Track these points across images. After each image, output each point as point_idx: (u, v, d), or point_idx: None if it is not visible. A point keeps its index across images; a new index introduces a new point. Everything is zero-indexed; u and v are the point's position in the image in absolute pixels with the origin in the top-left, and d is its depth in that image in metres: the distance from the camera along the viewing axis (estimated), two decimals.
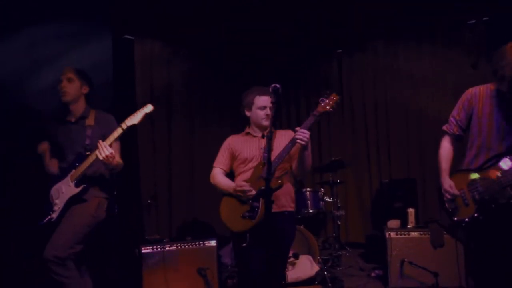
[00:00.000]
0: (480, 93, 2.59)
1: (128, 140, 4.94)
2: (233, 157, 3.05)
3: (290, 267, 4.13)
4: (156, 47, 5.52)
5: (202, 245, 4.03)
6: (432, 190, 5.32)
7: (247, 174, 2.92)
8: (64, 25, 3.95)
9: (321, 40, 6.19)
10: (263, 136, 2.99)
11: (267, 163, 2.41)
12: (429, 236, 4.02)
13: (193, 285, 3.90)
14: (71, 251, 2.78)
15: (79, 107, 3.04)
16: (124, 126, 2.77)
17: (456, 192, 2.57)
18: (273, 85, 2.47)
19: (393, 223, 4.38)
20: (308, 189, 4.90)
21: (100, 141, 2.74)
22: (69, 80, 2.99)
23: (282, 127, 6.76)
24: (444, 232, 3.93)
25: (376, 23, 5.67)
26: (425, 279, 3.90)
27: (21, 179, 3.26)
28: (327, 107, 2.76)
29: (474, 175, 2.55)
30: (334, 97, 2.78)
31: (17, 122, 3.65)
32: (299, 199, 4.79)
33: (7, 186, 3.54)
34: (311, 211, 4.77)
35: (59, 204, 2.87)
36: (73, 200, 2.86)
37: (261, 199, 2.73)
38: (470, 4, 5.09)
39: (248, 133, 3.07)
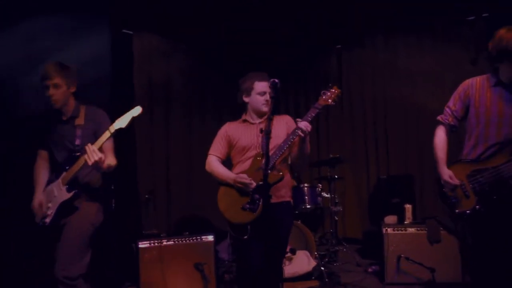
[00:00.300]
0: (477, 84, 2.60)
1: (126, 135, 4.94)
2: (230, 145, 3.00)
3: (287, 262, 4.14)
4: (154, 42, 5.49)
5: (199, 240, 4.03)
6: (429, 186, 5.33)
7: (246, 164, 2.89)
8: (62, 19, 3.92)
9: (321, 37, 6.18)
10: (261, 131, 2.86)
11: (265, 157, 2.40)
12: (426, 232, 4.03)
13: (190, 280, 3.90)
14: (81, 265, 2.74)
15: (69, 107, 2.92)
16: (112, 129, 2.66)
17: (456, 181, 2.55)
18: (272, 79, 2.46)
19: (390, 219, 4.39)
20: (306, 185, 4.91)
21: (89, 145, 2.61)
22: (56, 86, 2.80)
23: None
24: (441, 228, 3.95)
25: (376, 19, 5.65)
26: (422, 275, 3.92)
27: (21, 179, 3.22)
28: (329, 100, 2.79)
29: (474, 166, 2.54)
30: (335, 91, 2.81)
31: (15, 120, 3.62)
32: (297, 194, 4.80)
33: (7, 186, 3.53)
34: (308, 206, 4.78)
35: (51, 208, 2.79)
36: (66, 206, 2.78)
37: (261, 190, 2.69)
38: (470, 1, 5.09)
39: (245, 120, 3.01)
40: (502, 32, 2.43)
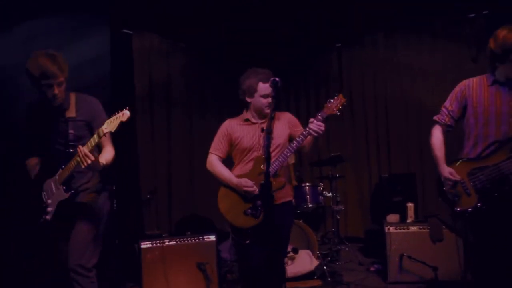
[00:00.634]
0: (473, 84, 2.62)
1: (127, 135, 4.96)
2: (231, 144, 2.95)
3: (289, 262, 4.13)
4: (154, 42, 5.49)
5: (201, 240, 4.02)
6: (431, 184, 5.31)
7: (247, 167, 2.87)
8: (62, 19, 3.92)
9: (321, 36, 6.17)
10: (262, 130, 2.90)
11: (266, 158, 2.38)
12: (428, 230, 4.02)
13: (192, 280, 3.90)
14: (95, 255, 2.73)
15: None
16: (101, 132, 2.50)
17: (457, 177, 2.55)
18: (272, 78, 2.45)
19: (392, 217, 4.38)
20: (307, 184, 4.90)
21: (80, 148, 2.47)
22: (60, 84, 2.61)
23: None
24: (443, 226, 3.93)
25: (376, 18, 5.64)
26: (424, 273, 3.91)
27: (21, 179, 3.20)
28: (335, 109, 2.74)
29: (474, 164, 2.54)
30: (341, 99, 2.75)
31: (15, 120, 3.61)
32: (298, 193, 4.79)
33: (7, 186, 3.52)
34: (310, 205, 4.77)
35: (51, 205, 2.71)
36: (66, 204, 2.69)
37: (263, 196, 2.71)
38: None
39: (247, 120, 2.96)
40: (504, 32, 2.43)
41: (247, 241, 2.74)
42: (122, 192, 4.33)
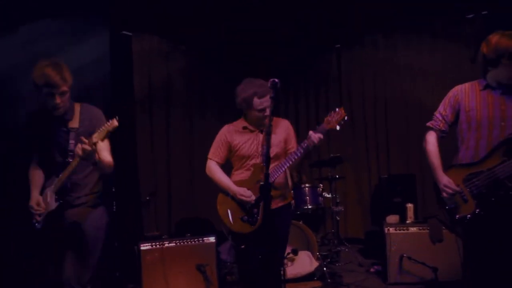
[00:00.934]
0: (465, 90, 2.65)
1: (126, 136, 4.96)
2: (230, 150, 2.99)
3: (289, 263, 4.13)
4: (154, 44, 5.49)
5: (201, 241, 4.02)
6: (431, 185, 5.26)
7: (246, 174, 2.93)
8: (62, 21, 3.92)
9: (321, 36, 6.18)
10: (261, 132, 2.96)
11: (265, 160, 2.40)
12: (428, 231, 4.01)
13: (192, 281, 3.90)
14: (92, 269, 2.70)
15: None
16: (91, 141, 2.46)
17: (455, 187, 2.55)
18: (271, 79, 2.45)
19: (392, 218, 4.38)
20: (307, 185, 4.90)
21: (78, 145, 2.48)
22: (63, 94, 2.59)
23: None
24: (443, 227, 3.92)
25: (376, 18, 5.65)
26: (424, 274, 3.91)
27: (21, 179, 3.20)
28: (335, 123, 2.76)
29: (469, 170, 2.54)
30: (342, 113, 2.77)
31: (16, 121, 3.61)
32: (298, 194, 4.79)
33: (7, 186, 3.52)
34: (310, 207, 4.77)
35: (42, 214, 2.68)
36: (55, 216, 2.66)
37: (260, 205, 2.79)
38: None
39: (245, 127, 2.99)
40: (497, 37, 2.47)
41: (243, 246, 2.82)
42: (122, 193, 4.33)
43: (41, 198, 2.73)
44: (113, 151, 2.81)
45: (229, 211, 2.90)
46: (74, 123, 2.69)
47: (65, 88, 2.58)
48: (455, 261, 3.76)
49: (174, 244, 3.94)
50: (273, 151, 2.80)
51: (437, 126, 2.75)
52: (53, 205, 2.64)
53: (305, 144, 2.71)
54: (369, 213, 6.01)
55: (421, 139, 2.91)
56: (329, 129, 2.75)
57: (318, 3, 5.20)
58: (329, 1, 5.18)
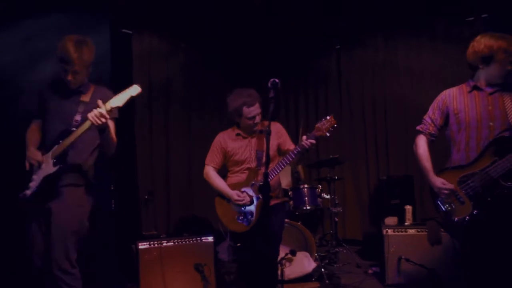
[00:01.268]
0: (453, 93, 2.74)
1: (125, 135, 4.95)
2: (225, 156, 3.20)
3: (287, 264, 4.12)
4: (154, 42, 5.49)
5: (199, 241, 4.01)
6: (428, 184, 5.31)
7: (241, 177, 3.13)
8: (61, 18, 3.90)
9: (321, 36, 6.18)
10: (261, 132, 3.11)
11: (265, 159, 2.48)
12: (426, 233, 4.02)
13: (190, 281, 3.89)
14: (74, 251, 2.65)
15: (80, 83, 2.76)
16: (108, 106, 2.48)
17: (450, 185, 2.58)
18: (271, 79, 2.49)
19: (391, 220, 4.38)
20: (306, 186, 4.89)
21: (93, 110, 2.45)
22: (76, 72, 2.63)
23: (280, 122, 6.73)
24: (441, 229, 3.93)
25: (376, 19, 5.66)
26: (422, 276, 3.90)
27: (21, 179, 3.18)
28: (325, 131, 2.88)
29: (462, 172, 2.58)
30: (331, 121, 2.87)
31: (16, 120, 3.59)
32: (297, 195, 4.79)
33: (7, 186, 3.50)
34: (308, 207, 4.76)
35: (35, 181, 2.64)
36: (50, 182, 2.62)
37: (254, 205, 3.01)
38: (469, 2, 5.09)
39: (238, 134, 3.18)
40: (488, 37, 2.58)
41: (238, 244, 3.04)
42: (120, 192, 4.32)
43: (38, 152, 2.70)
44: None
45: (226, 212, 3.12)
46: (86, 98, 2.73)
47: (78, 68, 2.62)
48: (453, 263, 3.79)
49: (172, 243, 3.93)
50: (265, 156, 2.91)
51: (427, 130, 2.82)
52: (51, 169, 2.60)
53: (297, 149, 2.87)
54: (367, 214, 6.01)
55: None
56: (319, 136, 2.87)
57: (319, 3, 5.21)
58: (331, 3, 5.18)
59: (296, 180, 5.58)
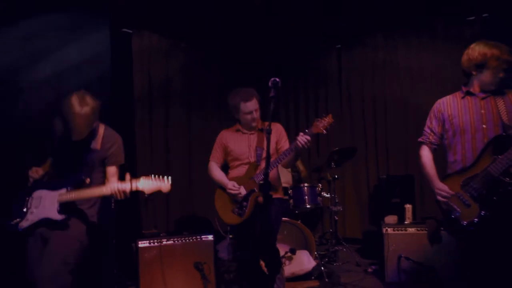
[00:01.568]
0: (447, 101, 2.84)
1: (125, 134, 4.94)
2: (226, 152, 3.33)
3: (287, 262, 4.14)
4: (154, 41, 5.49)
5: (199, 239, 4.02)
6: (430, 187, 5.31)
7: (240, 171, 3.24)
8: (62, 18, 3.90)
9: (321, 36, 6.18)
10: (261, 130, 3.23)
11: (266, 158, 2.49)
12: (426, 232, 4.02)
13: (190, 279, 3.90)
14: (65, 283, 2.54)
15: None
16: (134, 187, 2.58)
17: (450, 191, 2.65)
18: (272, 78, 2.51)
19: (391, 218, 4.38)
20: (306, 184, 4.90)
21: (119, 186, 2.57)
22: (80, 133, 2.66)
23: (280, 122, 6.75)
24: (441, 228, 3.94)
25: (376, 19, 5.65)
26: (422, 275, 3.90)
27: (20, 179, 3.18)
28: (322, 128, 2.96)
29: (464, 176, 2.62)
30: (329, 120, 2.96)
31: (16, 120, 3.59)
32: (297, 194, 4.79)
33: (7, 186, 3.50)
34: (308, 206, 4.77)
35: (34, 215, 2.63)
36: (50, 223, 2.62)
37: (249, 198, 3.10)
38: (470, 1, 5.09)
39: (238, 130, 3.32)
40: (482, 44, 2.67)
41: (231, 236, 3.17)
42: None
43: (40, 169, 2.78)
44: None
45: (223, 204, 3.24)
46: (96, 144, 2.77)
47: (82, 130, 2.67)
48: (452, 262, 3.79)
49: (172, 241, 3.94)
50: (264, 153, 3.08)
51: (427, 139, 2.92)
52: (56, 215, 2.61)
53: (293, 145, 2.93)
54: (367, 213, 6.02)
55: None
56: (316, 133, 2.95)
57: (319, 3, 5.20)
58: (331, 3, 5.18)
59: (296, 178, 5.58)
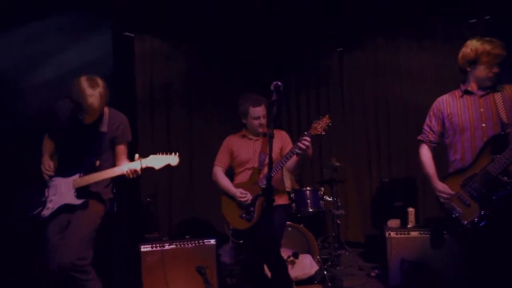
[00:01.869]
0: (446, 99, 2.87)
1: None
2: (231, 157, 3.39)
3: (289, 266, 4.12)
4: (156, 45, 5.49)
5: (201, 243, 4.01)
6: (432, 190, 5.29)
7: (245, 176, 3.30)
8: (64, 20, 3.93)
9: (322, 38, 6.18)
10: (264, 135, 3.29)
11: (268, 162, 2.50)
12: (429, 235, 4.00)
13: (192, 283, 3.89)
14: (91, 252, 2.73)
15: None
16: (144, 165, 2.74)
17: (450, 191, 2.66)
18: (274, 82, 2.52)
19: (393, 222, 4.37)
20: (308, 188, 4.89)
21: (130, 168, 2.72)
22: (91, 115, 2.73)
23: (281, 125, 6.74)
24: (444, 231, 3.92)
25: (377, 21, 5.65)
26: (425, 279, 3.89)
27: (20, 179, 3.19)
28: (320, 129, 2.98)
29: (463, 175, 2.63)
30: (326, 120, 2.99)
31: (16, 121, 3.60)
32: (299, 198, 4.78)
33: (7, 186, 3.50)
34: (310, 210, 4.76)
35: (53, 203, 2.74)
36: (70, 208, 2.75)
37: (256, 203, 3.16)
38: (472, 3, 5.08)
39: (244, 136, 3.39)
40: (475, 41, 2.72)
41: (241, 241, 3.25)
42: (123, 195, 4.31)
43: (52, 163, 2.85)
44: None
45: (230, 210, 3.28)
46: (104, 127, 2.84)
47: (97, 114, 2.76)
48: (455, 266, 3.77)
49: (174, 246, 3.94)
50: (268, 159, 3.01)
51: (427, 138, 2.94)
52: (75, 200, 2.72)
53: (293, 148, 2.96)
54: (370, 216, 5.99)
55: None
56: (315, 134, 2.96)
57: (319, 4, 5.20)
58: (331, 4, 5.18)
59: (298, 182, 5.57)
